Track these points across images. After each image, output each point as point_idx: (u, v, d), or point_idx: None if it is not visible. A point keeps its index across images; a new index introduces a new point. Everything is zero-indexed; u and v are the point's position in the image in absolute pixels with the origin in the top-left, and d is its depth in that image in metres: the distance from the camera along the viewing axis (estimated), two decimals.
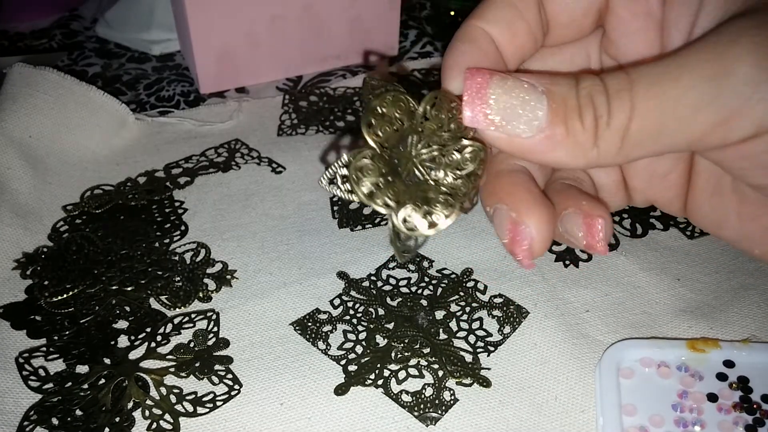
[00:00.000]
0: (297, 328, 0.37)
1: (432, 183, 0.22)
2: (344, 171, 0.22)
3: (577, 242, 0.23)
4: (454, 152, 0.22)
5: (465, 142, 0.22)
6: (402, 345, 0.36)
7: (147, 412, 0.33)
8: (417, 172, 0.22)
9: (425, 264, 0.41)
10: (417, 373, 0.35)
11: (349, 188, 0.22)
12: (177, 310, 0.38)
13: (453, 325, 0.37)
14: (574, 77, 0.21)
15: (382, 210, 0.22)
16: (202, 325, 0.37)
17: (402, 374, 0.34)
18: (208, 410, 0.33)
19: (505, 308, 0.38)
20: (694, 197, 0.25)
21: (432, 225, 0.22)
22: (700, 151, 0.21)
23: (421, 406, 0.33)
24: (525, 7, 0.24)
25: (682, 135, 0.20)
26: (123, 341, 0.36)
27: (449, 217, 0.22)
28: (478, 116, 0.21)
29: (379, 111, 0.22)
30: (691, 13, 0.22)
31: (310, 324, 0.37)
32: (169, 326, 0.37)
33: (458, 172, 0.22)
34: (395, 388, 0.34)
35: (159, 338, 0.36)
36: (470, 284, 0.39)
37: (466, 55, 0.23)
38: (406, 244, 0.24)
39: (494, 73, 0.21)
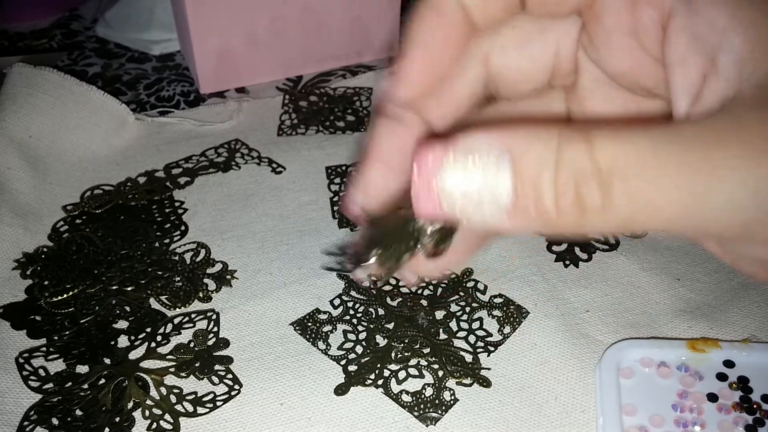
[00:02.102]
0: (297, 328, 0.37)
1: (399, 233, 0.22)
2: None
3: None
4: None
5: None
6: (402, 345, 0.36)
7: (147, 412, 0.33)
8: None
9: None
10: (417, 373, 0.35)
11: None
12: (177, 310, 0.38)
13: (453, 325, 0.37)
14: (555, 137, 0.17)
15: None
16: (202, 325, 0.37)
17: (402, 374, 0.34)
18: (208, 410, 0.33)
19: (505, 308, 0.38)
20: None
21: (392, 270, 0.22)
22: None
23: (421, 406, 0.33)
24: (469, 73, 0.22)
25: (709, 229, 0.17)
26: (123, 341, 0.36)
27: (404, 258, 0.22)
28: (430, 210, 0.18)
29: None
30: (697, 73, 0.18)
31: (310, 324, 0.37)
32: (169, 326, 0.37)
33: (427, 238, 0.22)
34: (395, 388, 0.34)
35: (159, 338, 0.36)
36: (470, 284, 0.39)
37: (431, 28, 0.21)
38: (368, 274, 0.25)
39: (446, 146, 0.17)
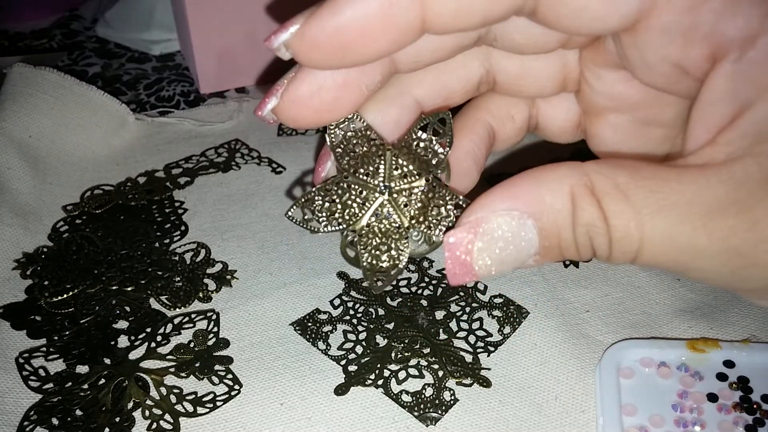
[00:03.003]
0: (297, 328, 0.37)
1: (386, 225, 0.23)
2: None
3: None
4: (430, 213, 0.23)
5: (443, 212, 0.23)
6: (402, 345, 0.36)
7: (147, 412, 0.33)
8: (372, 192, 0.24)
9: (425, 264, 0.41)
10: (417, 373, 0.35)
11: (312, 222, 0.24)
12: (177, 310, 0.38)
13: (453, 325, 0.37)
14: (569, 194, 0.19)
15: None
16: (202, 325, 0.37)
17: (402, 374, 0.34)
18: (208, 410, 0.33)
19: (505, 308, 0.38)
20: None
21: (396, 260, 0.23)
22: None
23: (421, 406, 0.33)
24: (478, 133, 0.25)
25: (695, 277, 0.19)
26: (123, 341, 0.36)
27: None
28: (466, 281, 0.20)
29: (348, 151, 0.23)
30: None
31: (310, 324, 0.37)
32: (169, 326, 0.37)
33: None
34: (395, 388, 0.34)
35: (159, 338, 0.36)
36: (470, 284, 0.39)
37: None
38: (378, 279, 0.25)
39: (478, 225, 0.19)
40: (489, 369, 0.35)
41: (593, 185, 0.18)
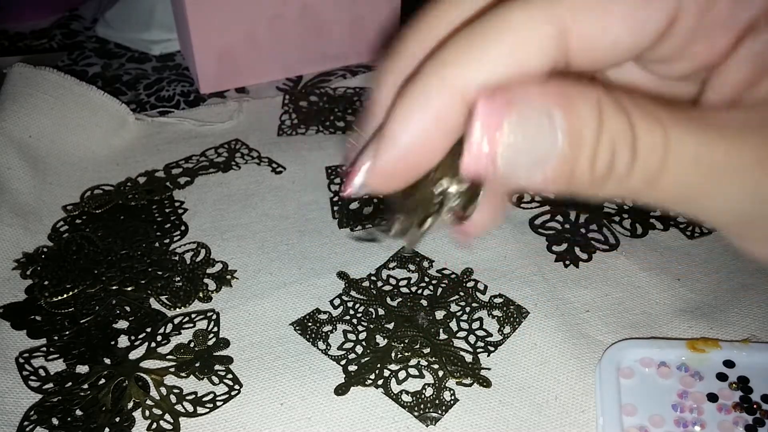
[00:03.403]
0: (297, 328, 0.37)
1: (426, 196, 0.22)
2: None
3: None
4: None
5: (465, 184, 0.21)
6: (402, 345, 0.36)
7: (147, 412, 0.33)
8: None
9: (425, 264, 0.41)
10: (417, 373, 0.35)
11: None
12: (177, 310, 0.38)
13: (453, 325, 0.37)
14: (597, 102, 0.17)
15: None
16: (202, 325, 0.37)
17: (402, 374, 0.34)
18: (208, 410, 0.33)
19: (505, 308, 0.38)
20: None
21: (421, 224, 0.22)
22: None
23: (421, 406, 0.33)
24: (537, 49, 0.21)
25: (707, 212, 0.18)
26: (123, 341, 0.36)
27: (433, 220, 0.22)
28: (482, 164, 0.18)
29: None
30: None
31: (310, 324, 0.37)
32: (169, 326, 0.37)
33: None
34: (395, 388, 0.34)
35: (159, 338, 0.36)
36: (470, 284, 0.39)
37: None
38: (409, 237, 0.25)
39: (512, 100, 0.17)
40: (489, 369, 0.35)
41: (620, 101, 0.17)
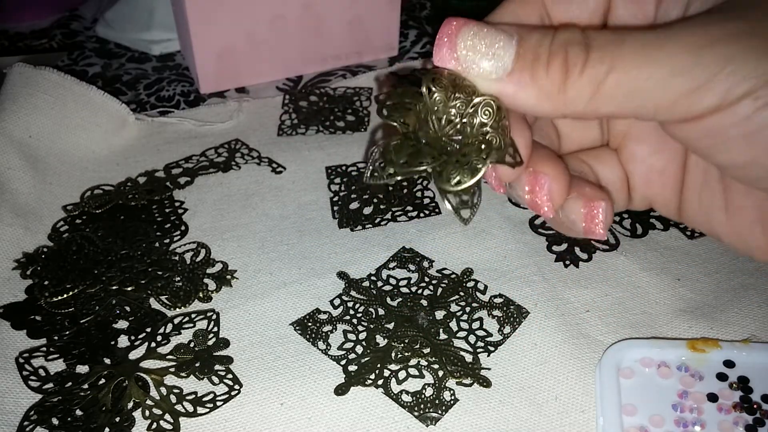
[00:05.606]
0: (297, 328, 0.37)
1: (465, 144, 0.23)
2: (379, 158, 0.23)
3: (577, 227, 0.25)
4: (473, 116, 0.23)
5: (476, 100, 0.23)
6: (402, 345, 0.36)
7: (147, 412, 0.33)
8: (448, 144, 0.23)
9: (425, 264, 0.41)
10: (417, 373, 0.35)
11: (388, 169, 0.23)
12: (177, 310, 0.38)
13: (453, 325, 0.37)
14: (554, 29, 0.22)
15: (422, 172, 0.23)
16: (202, 325, 0.37)
17: (402, 374, 0.34)
18: (208, 410, 0.33)
19: (505, 308, 0.38)
20: (687, 193, 0.26)
21: (475, 171, 0.22)
22: (665, 121, 0.22)
23: (421, 406, 0.33)
24: (528, 16, 0.24)
25: (653, 99, 0.20)
26: (123, 341, 0.36)
27: (488, 159, 0.22)
28: (444, 54, 0.22)
29: (392, 103, 0.23)
30: (677, 15, 0.23)
31: (310, 324, 0.37)
32: (169, 326, 0.37)
33: (485, 129, 0.23)
34: (395, 388, 0.34)
35: (159, 338, 0.36)
36: (470, 284, 0.39)
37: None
38: (462, 204, 0.25)
39: (471, 21, 0.22)
40: (489, 369, 0.35)
41: (582, 29, 0.22)
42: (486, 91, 0.22)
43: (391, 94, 0.24)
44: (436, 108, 0.23)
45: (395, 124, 0.23)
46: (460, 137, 0.23)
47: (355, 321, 0.37)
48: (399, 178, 0.23)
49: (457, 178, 0.22)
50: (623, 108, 0.21)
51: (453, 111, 0.23)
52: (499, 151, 0.22)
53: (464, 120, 0.23)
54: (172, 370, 0.35)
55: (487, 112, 0.23)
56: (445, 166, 0.22)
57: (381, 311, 0.38)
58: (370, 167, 0.23)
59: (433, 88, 0.23)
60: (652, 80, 0.20)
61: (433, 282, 0.39)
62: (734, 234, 0.25)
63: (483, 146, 0.22)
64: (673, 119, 0.21)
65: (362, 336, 0.36)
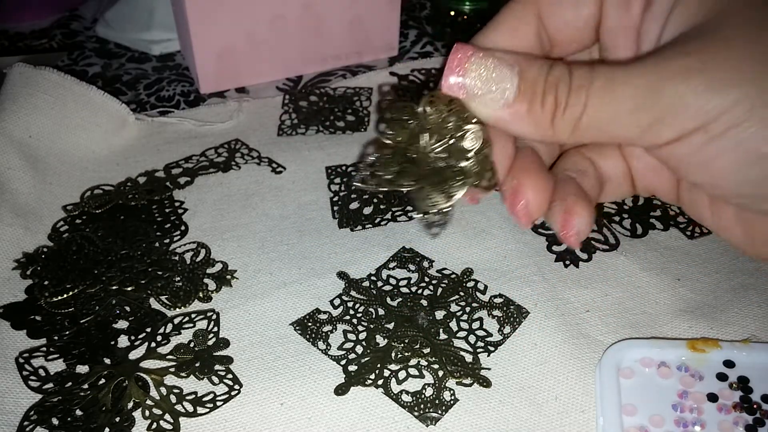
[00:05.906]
0: (297, 328, 0.37)
1: (446, 167, 0.25)
2: (370, 167, 0.26)
3: (557, 232, 0.27)
4: (460, 140, 0.25)
5: (467, 127, 0.25)
6: (402, 345, 0.36)
7: (147, 412, 0.33)
8: (432, 161, 0.25)
9: (425, 264, 0.41)
10: (417, 373, 0.35)
11: (375, 181, 0.25)
12: (177, 310, 0.38)
13: (453, 325, 0.37)
14: (549, 64, 0.24)
15: (404, 190, 0.25)
16: (202, 325, 0.37)
17: (402, 374, 0.34)
18: (208, 410, 0.33)
19: (505, 308, 0.38)
20: (681, 189, 0.28)
21: (449, 197, 0.25)
22: (640, 147, 0.25)
23: (421, 406, 0.33)
24: (524, 31, 0.26)
25: (622, 131, 0.23)
26: (123, 341, 0.36)
27: (461, 190, 0.25)
28: (453, 84, 0.24)
29: (390, 117, 0.25)
30: (658, 26, 0.24)
31: (310, 324, 0.37)
32: (169, 326, 0.37)
33: (468, 155, 0.25)
34: (395, 388, 0.34)
35: (159, 338, 0.36)
36: (470, 284, 0.39)
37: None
38: (433, 222, 0.27)
39: (478, 49, 0.24)
40: (489, 369, 0.35)
41: (569, 64, 0.24)
42: (483, 117, 0.25)
43: (392, 108, 0.26)
44: (429, 126, 0.25)
45: (388, 141, 0.25)
46: (446, 155, 0.25)
47: (355, 321, 0.37)
48: (384, 189, 0.26)
49: (434, 200, 0.25)
50: (600, 138, 0.24)
51: (444, 131, 0.25)
52: (476, 178, 0.25)
53: (451, 142, 0.25)
54: (172, 370, 0.35)
55: (473, 139, 0.25)
56: (423, 187, 0.25)
57: (381, 311, 0.38)
58: (361, 174, 0.26)
59: (428, 109, 0.25)
60: (619, 116, 0.22)
61: (433, 282, 0.39)
62: (721, 230, 0.27)
63: (461, 175, 0.25)
64: (644, 146, 0.24)
65: (362, 336, 0.36)
